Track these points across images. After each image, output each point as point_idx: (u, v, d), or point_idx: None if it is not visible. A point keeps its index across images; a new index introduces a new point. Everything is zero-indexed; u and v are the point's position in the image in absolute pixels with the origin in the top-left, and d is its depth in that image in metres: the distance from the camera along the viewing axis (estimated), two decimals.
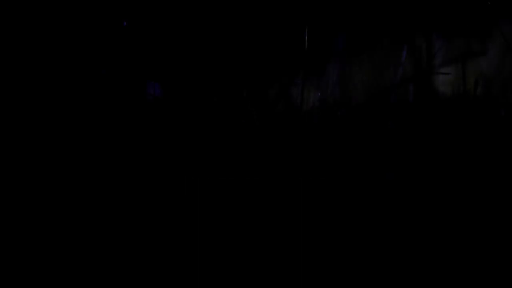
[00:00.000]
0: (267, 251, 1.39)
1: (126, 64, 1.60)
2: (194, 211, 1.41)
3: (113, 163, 1.46)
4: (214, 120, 1.55)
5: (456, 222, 1.38)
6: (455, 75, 1.63)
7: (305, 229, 1.40)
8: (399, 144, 1.51)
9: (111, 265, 1.39)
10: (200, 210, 1.41)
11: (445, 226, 1.38)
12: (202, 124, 1.56)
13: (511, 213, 1.37)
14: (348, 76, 1.79)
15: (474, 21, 1.69)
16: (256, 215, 1.41)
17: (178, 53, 1.63)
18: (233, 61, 1.63)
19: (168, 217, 1.41)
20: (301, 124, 1.54)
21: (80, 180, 1.45)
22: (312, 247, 1.39)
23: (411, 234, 1.37)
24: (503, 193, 1.39)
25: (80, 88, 1.63)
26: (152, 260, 1.39)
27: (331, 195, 1.43)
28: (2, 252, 1.39)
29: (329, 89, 1.76)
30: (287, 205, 1.41)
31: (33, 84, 1.66)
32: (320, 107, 1.64)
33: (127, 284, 1.38)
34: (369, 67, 1.81)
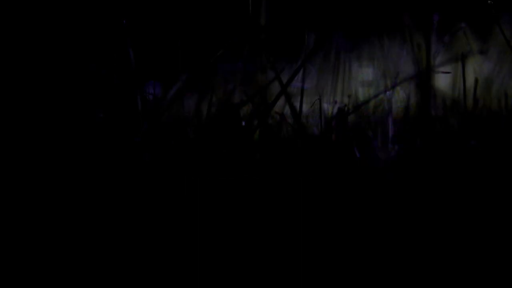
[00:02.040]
0: (267, 251, 1.38)
1: (126, 63, 1.59)
2: (194, 211, 1.41)
3: (114, 163, 1.45)
4: (215, 119, 1.55)
5: (452, 222, 1.38)
6: (454, 75, 1.63)
7: (305, 228, 1.39)
8: (399, 144, 1.51)
9: (108, 265, 1.38)
10: (200, 210, 1.40)
11: (443, 225, 1.38)
12: (204, 123, 1.56)
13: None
14: (348, 75, 1.79)
15: (475, 20, 1.69)
16: (256, 215, 1.41)
17: (179, 52, 1.62)
18: (232, 59, 1.63)
19: (168, 216, 1.41)
20: (301, 125, 1.54)
21: (77, 179, 1.44)
22: (312, 247, 1.38)
23: (411, 233, 1.37)
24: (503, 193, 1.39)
25: (79, 88, 1.63)
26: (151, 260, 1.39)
27: (331, 195, 1.42)
28: None
29: (329, 89, 1.76)
30: (287, 205, 1.41)
31: (30, 84, 1.66)
32: (320, 107, 1.64)
33: (125, 284, 1.38)
34: (369, 66, 1.81)
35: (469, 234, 1.37)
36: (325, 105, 1.66)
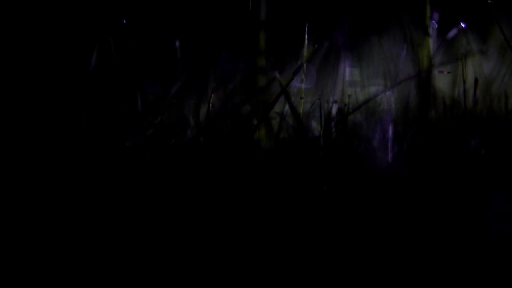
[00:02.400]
0: (267, 251, 1.39)
1: (126, 63, 1.59)
2: (194, 211, 1.41)
3: (114, 162, 1.45)
4: (215, 119, 1.55)
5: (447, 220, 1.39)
6: (454, 75, 1.63)
7: (305, 228, 1.39)
8: (399, 144, 1.51)
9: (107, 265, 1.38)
10: (200, 209, 1.40)
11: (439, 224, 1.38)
12: (204, 123, 1.56)
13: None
14: (348, 75, 1.79)
15: (475, 20, 1.69)
16: (256, 215, 1.41)
17: (179, 52, 1.62)
18: (232, 59, 1.63)
19: (168, 216, 1.41)
20: (301, 125, 1.54)
21: (77, 179, 1.44)
22: (312, 247, 1.38)
23: (411, 233, 1.37)
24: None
25: (79, 88, 1.63)
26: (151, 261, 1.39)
27: (331, 195, 1.42)
28: None
29: (328, 90, 1.76)
30: (287, 205, 1.41)
31: (30, 84, 1.66)
32: (319, 109, 1.64)
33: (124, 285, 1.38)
34: (368, 66, 1.81)
35: (469, 234, 1.37)
36: (325, 105, 1.66)
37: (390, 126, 1.54)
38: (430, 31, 1.49)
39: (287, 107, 1.60)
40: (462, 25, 1.64)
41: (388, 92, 1.62)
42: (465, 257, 1.35)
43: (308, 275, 1.36)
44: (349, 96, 1.69)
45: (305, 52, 1.65)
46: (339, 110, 1.59)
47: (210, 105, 1.60)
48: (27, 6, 1.83)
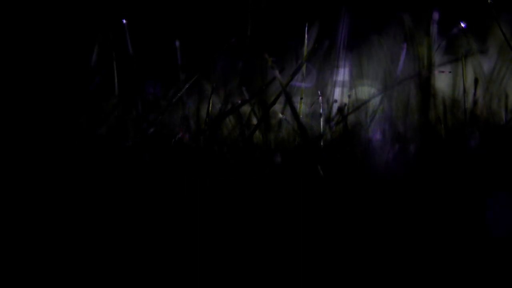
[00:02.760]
0: (267, 251, 1.38)
1: (126, 63, 1.59)
2: (194, 210, 1.41)
3: (113, 162, 1.45)
4: (215, 119, 1.55)
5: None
6: (454, 75, 1.63)
7: (305, 229, 1.39)
8: (399, 144, 1.50)
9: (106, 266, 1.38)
10: (200, 209, 1.40)
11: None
12: (204, 122, 1.56)
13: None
14: (348, 76, 1.79)
15: (475, 19, 1.69)
16: (256, 215, 1.41)
17: (179, 52, 1.62)
18: (232, 59, 1.63)
19: (168, 216, 1.41)
20: (300, 124, 1.54)
21: (78, 178, 1.44)
22: (312, 248, 1.38)
23: (411, 233, 1.37)
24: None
25: (79, 88, 1.63)
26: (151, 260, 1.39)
27: (331, 194, 1.42)
28: None
29: (328, 90, 1.76)
30: (286, 205, 1.41)
31: (30, 84, 1.66)
32: (319, 109, 1.64)
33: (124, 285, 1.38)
34: (368, 66, 1.81)
35: (469, 234, 1.37)
36: (325, 105, 1.66)
37: (390, 126, 1.54)
38: (430, 31, 1.49)
39: (287, 107, 1.60)
40: (462, 25, 1.64)
41: (388, 92, 1.62)
42: (465, 257, 1.35)
43: (306, 273, 1.37)
44: (349, 96, 1.69)
45: (305, 52, 1.65)
46: (339, 110, 1.59)
47: (210, 105, 1.60)
48: (28, 6, 1.83)
